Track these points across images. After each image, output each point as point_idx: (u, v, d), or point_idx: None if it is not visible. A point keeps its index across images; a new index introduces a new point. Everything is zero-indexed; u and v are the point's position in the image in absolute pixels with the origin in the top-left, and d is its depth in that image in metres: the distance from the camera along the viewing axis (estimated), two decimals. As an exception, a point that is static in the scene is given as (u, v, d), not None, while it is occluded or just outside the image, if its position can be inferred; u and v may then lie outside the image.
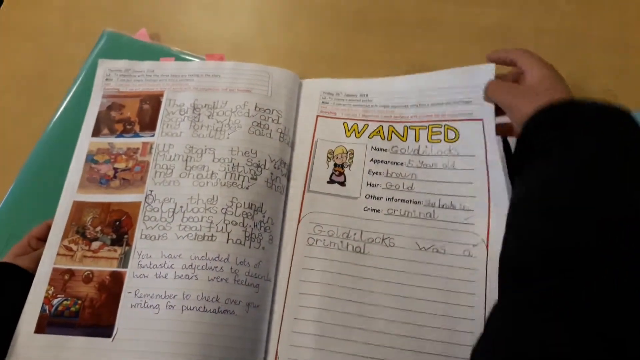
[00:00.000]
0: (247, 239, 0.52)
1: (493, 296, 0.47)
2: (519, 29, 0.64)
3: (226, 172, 0.54)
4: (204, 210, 0.53)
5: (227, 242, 0.51)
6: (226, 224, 0.52)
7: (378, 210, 0.53)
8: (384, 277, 0.50)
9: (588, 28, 0.63)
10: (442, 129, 0.55)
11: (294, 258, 0.53)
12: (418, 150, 0.55)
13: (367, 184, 0.55)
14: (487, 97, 0.53)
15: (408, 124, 0.57)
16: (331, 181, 0.56)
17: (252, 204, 0.53)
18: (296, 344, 0.49)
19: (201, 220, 0.52)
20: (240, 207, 0.53)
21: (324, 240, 0.53)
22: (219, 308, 0.49)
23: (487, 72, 0.54)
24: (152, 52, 0.64)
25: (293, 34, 0.68)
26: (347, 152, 0.57)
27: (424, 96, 0.58)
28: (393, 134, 0.57)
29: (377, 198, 0.54)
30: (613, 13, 0.64)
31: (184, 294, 0.49)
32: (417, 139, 0.56)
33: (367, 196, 0.54)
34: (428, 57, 0.64)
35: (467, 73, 0.56)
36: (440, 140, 0.55)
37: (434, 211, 0.52)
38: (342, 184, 0.55)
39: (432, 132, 0.56)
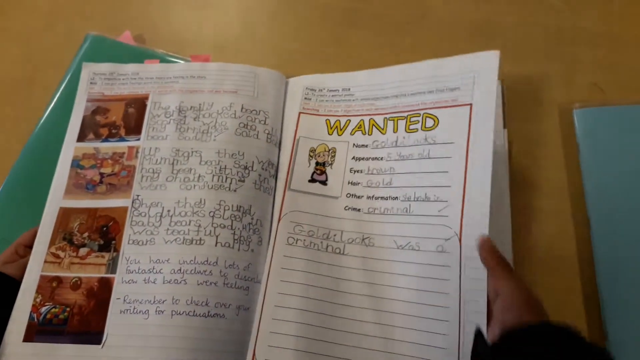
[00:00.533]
0: (235, 241, 0.52)
1: (467, 297, 0.45)
2: (508, 24, 0.64)
3: (213, 175, 0.54)
4: (191, 214, 0.52)
5: (216, 246, 0.51)
6: (214, 227, 0.52)
7: (358, 210, 0.53)
8: (363, 278, 0.50)
9: (576, 22, 0.63)
10: (420, 118, 0.54)
11: (274, 257, 0.52)
12: (396, 142, 0.54)
13: (349, 182, 0.54)
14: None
15: (388, 116, 0.55)
16: (312, 180, 0.55)
17: (240, 207, 0.53)
18: (274, 344, 0.49)
19: (189, 224, 0.52)
20: (229, 209, 0.53)
21: (304, 240, 0.52)
22: (208, 312, 0.49)
23: (489, 58, 0.52)
24: (136, 54, 0.64)
25: (280, 33, 0.68)
26: (329, 150, 0.56)
27: (405, 86, 0.56)
28: (374, 127, 0.56)
29: (358, 197, 0.53)
30: (600, 8, 0.63)
31: (173, 298, 0.49)
32: (395, 130, 0.54)
33: (348, 195, 0.54)
34: (417, 53, 0.63)
35: (459, 61, 0.54)
36: (417, 130, 0.53)
37: (410, 205, 0.51)
38: (324, 183, 0.55)
39: (409, 122, 0.54)
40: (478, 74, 0.52)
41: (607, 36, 0.62)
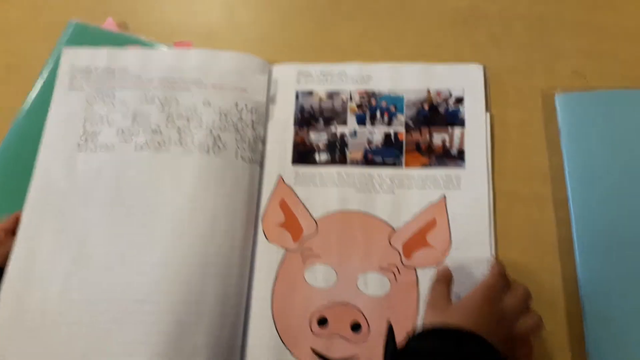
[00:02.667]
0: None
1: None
2: (491, 12, 0.64)
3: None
4: None
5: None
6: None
7: None
8: None
9: (558, 11, 0.63)
10: None
11: None
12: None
13: None
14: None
15: None
16: None
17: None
18: None
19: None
20: None
21: None
22: None
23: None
24: (119, 41, 0.63)
25: (265, 21, 0.67)
26: None
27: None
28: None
29: None
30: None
31: None
32: None
33: None
34: (402, 42, 0.63)
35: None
36: None
37: None
38: None
39: None
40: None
41: (589, 25, 0.62)
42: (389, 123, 0.58)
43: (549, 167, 0.56)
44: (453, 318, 0.42)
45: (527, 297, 0.45)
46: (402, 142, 0.58)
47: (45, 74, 0.62)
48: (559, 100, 0.57)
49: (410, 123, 0.58)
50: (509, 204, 0.55)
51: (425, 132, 0.58)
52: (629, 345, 0.48)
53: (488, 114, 0.58)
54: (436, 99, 0.59)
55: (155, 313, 0.48)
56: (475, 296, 0.44)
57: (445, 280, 0.48)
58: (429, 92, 0.59)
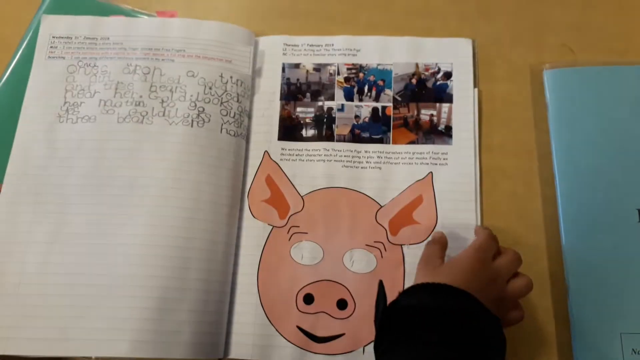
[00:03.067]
0: None
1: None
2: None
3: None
4: None
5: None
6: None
7: None
8: None
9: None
10: None
11: None
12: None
13: None
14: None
15: None
16: None
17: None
18: None
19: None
20: None
21: None
22: None
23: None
24: (101, 9, 0.61)
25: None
26: None
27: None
28: None
29: None
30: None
31: None
32: None
33: None
34: (389, 14, 0.62)
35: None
36: None
37: None
38: None
39: None
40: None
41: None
42: (377, 98, 0.58)
43: (535, 143, 0.56)
44: (444, 276, 0.42)
45: (517, 260, 0.46)
46: (389, 118, 0.57)
47: (25, 43, 0.60)
48: (547, 76, 0.57)
49: (398, 98, 0.58)
50: (496, 180, 0.55)
51: (413, 107, 0.57)
52: (610, 319, 0.48)
53: (476, 90, 0.57)
54: (424, 73, 0.58)
55: (138, 288, 0.48)
56: (466, 256, 0.45)
57: (439, 242, 0.49)
58: (417, 66, 0.58)
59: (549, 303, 0.50)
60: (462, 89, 0.57)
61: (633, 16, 0.60)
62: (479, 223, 0.52)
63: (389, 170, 0.55)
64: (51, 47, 0.58)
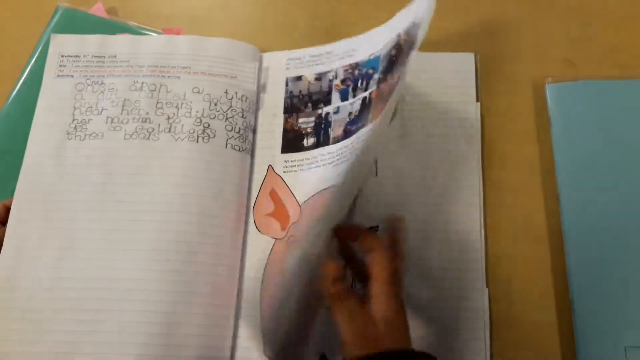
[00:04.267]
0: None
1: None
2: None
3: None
4: None
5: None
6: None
7: None
8: None
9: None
10: None
11: None
12: None
13: None
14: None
15: None
16: None
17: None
18: None
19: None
20: None
21: None
22: None
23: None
24: (108, 27, 0.62)
25: (256, 8, 0.67)
26: None
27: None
28: None
29: None
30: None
31: None
32: None
33: None
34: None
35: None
36: None
37: None
38: None
39: None
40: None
41: (580, 11, 0.62)
42: (367, 88, 0.56)
43: (539, 157, 0.56)
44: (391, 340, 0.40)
45: (387, 252, 0.42)
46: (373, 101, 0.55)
47: (33, 60, 0.61)
48: (549, 90, 0.57)
49: (381, 76, 0.54)
50: (499, 194, 0.55)
51: (396, 75, 0.51)
52: (615, 332, 0.48)
53: (479, 104, 0.57)
54: (404, 39, 0.52)
55: (145, 302, 0.49)
56: (387, 300, 0.40)
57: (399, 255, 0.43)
58: (399, 36, 0.53)
59: (553, 317, 0.50)
60: (464, 102, 0.57)
61: (635, 30, 0.61)
62: (482, 237, 0.53)
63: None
64: (60, 65, 0.59)
